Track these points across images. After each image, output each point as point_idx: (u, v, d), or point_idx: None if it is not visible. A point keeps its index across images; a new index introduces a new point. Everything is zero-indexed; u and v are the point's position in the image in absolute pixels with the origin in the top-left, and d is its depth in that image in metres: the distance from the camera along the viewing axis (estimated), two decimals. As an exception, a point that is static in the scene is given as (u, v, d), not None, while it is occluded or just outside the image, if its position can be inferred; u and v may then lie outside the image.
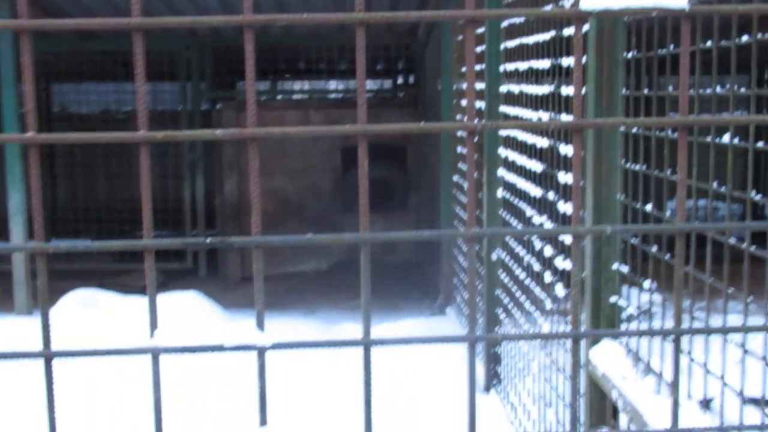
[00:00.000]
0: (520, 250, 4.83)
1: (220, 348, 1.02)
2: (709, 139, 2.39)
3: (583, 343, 3.04)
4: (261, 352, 1.03)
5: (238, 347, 1.02)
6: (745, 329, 1.11)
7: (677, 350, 1.07)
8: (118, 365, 5.64)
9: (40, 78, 12.84)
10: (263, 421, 1.03)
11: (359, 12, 1.01)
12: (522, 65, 4.83)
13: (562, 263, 3.82)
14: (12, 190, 8.14)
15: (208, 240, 1.04)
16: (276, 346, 1.02)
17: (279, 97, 12.96)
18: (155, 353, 1.02)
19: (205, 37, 11.06)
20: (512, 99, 5.16)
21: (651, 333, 1.29)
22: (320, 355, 6.19)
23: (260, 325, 1.03)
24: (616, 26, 2.97)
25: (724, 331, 1.11)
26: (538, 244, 4.33)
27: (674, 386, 1.07)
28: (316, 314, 8.39)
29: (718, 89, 2.44)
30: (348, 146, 11.09)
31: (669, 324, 2.59)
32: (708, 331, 1.13)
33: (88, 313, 6.77)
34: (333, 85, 14.27)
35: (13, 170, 8.11)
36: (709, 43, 2.39)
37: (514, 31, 5.15)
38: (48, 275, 1.03)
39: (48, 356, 1.02)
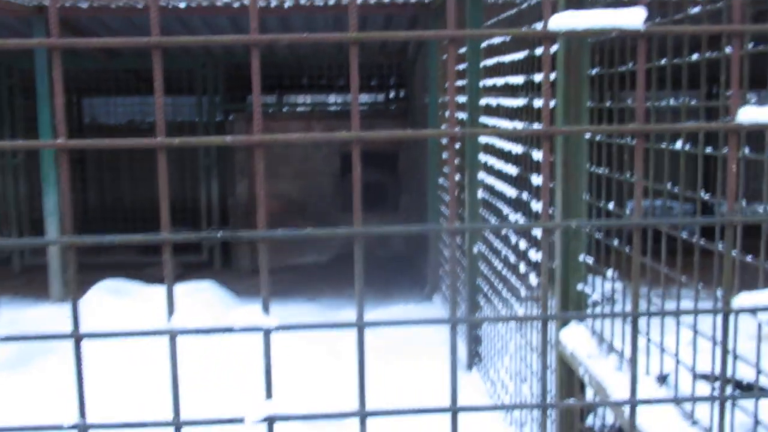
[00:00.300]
0: (498, 244, 4.83)
1: (230, 329, 1.01)
2: (663, 145, 2.39)
3: (552, 325, 3.04)
4: (266, 333, 1.02)
5: (247, 329, 1.02)
6: (695, 312, 1.11)
7: (635, 331, 1.07)
8: (142, 347, 5.63)
9: (72, 93, 12.83)
10: (269, 395, 1.03)
11: (353, 32, 1.01)
12: (499, 81, 4.83)
13: (535, 255, 3.82)
14: (47, 194, 8.13)
15: (220, 234, 1.03)
16: (280, 328, 1.02)
17: (284, 109, 12.95)
18: (172, 334, 1.02)
19: (218, 56, 11.05)
20: (491, 111, 5.16)
21: (612, 315, 1.29)
22: (321, 337, 6.19)
23: (266, 309, 1.03)
24: (581, 46, 2.97)
25: (677, 314, 1.11)
26: (513, 239, 4.33)
27: (632, 363, 1.07)
28: (317, 301, 8.38)
29: (672, 102, 2.44)
30: (346, 152, 11.10)
31: (628, 308, 2.59)
32: (662, 314, 1.13)
33: (115, 300, 6.75)
34: (332, 98, 14.27)
35: (48, 176, 8.10)
36: (663, 61, 2.40)
37: (492, 51, 5.16)
38: (79, 268, 1.03)
39: (77, 337, 1.01)
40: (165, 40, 0.98)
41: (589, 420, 3.18)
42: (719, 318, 0.99)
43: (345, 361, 5.56)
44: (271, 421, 1.01)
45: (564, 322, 2.90)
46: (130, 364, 5.48)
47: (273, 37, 1.04)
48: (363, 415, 1.04)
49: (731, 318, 1.07)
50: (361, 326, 1.05)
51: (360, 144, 1.07)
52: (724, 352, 1.06)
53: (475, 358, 5.71)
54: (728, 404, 1.99)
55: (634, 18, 1.01)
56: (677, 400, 1.07)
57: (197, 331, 1.03)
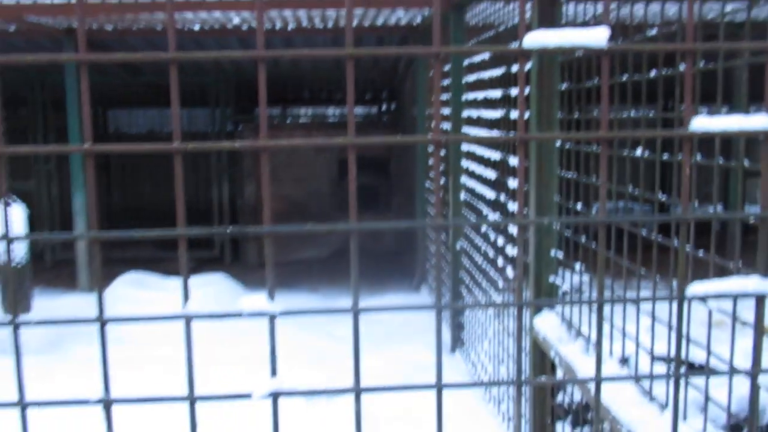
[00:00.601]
0: (479, 241, 4.83)
1: (239, 314, 1.01)
2: (625, 153, 2.40)
3: (527, 312, 3.04)
4: (271, 318, 1.02)
5: (254, 313, 1.01)
6: (653, 299, 1.12)
7: (600, 316, 1.07)
8: (161, 331, 5.61)
9: (98, 106, 12.79)
10: (273, 373, 1.03)
11: (349, 49, 1.01)
12: (480, 95, 4.84)
13: (511, 251, 3.82)
14: (75, 195, 8.11)
15: (229, 230, 1.03)
16: (283, 313, 1.01)
17: (288, 120, 12.94)
18: (187, 318, 1.01)
19: (229, 72, 11.03)
20: (472, 122, 5.17)
21: (579, 302, 1.29)
22: (320, 324, 6.18)
23: (271, 296, 1.02)
24: (552, 64, 2.97)
25: (636, 301, 1.11)
26: (492, 236, 4.33)
27: (598, 345, 1.07)
28: (318, 292, 8.36)
29: (633, 113, 2.44)
30: (343, 159, 11.11)
31: (594, 297, 2.60)
32: (623, 301, 1.13)
33: (136, 291, 6.73)
34: (331, 110, 14.27)
35: (77, 179, 8.08)
36: (625, 77, 2.40)
37: (473, 68, 5.16)
38: (104, 262, 1.03)
39: (102, 322, 1.01)
40: (180, 55, 0.98)
41: (559, 398, 3.19)
42: (675, 305, 0.99)
43: (342, 344, 5.56)
44: (275, 396, 1.01)
45: (537, 310, 2.90)
46: (149, 347, 5.46)
47: (277, 52, 1.04)
48: (358, 391, 1.04)
49: (685, 305, 1.07)
50: (356, 311, 1.05)
51: (355, 149, 1.07)
52: (679, 336, 1.06)
53: (458, 342, 5.71)
54: (682, 382, 2.00)
55: (598, 36, 1.01)
56: (637, 378, 1.07)
57: (210, 316, 1.02)
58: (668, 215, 1.14)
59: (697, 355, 2.31)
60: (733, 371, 1.58)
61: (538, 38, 1.04)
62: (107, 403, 1.00)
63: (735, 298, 1.34)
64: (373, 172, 11.20)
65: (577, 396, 2.89)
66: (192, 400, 1.02)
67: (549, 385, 2.87)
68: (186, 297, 1.04)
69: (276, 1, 6.61)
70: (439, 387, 1.04)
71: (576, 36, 1.03)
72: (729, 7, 1.87)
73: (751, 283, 1.02)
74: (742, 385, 1.82)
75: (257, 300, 1.02)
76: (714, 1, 2.34)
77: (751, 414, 1.06)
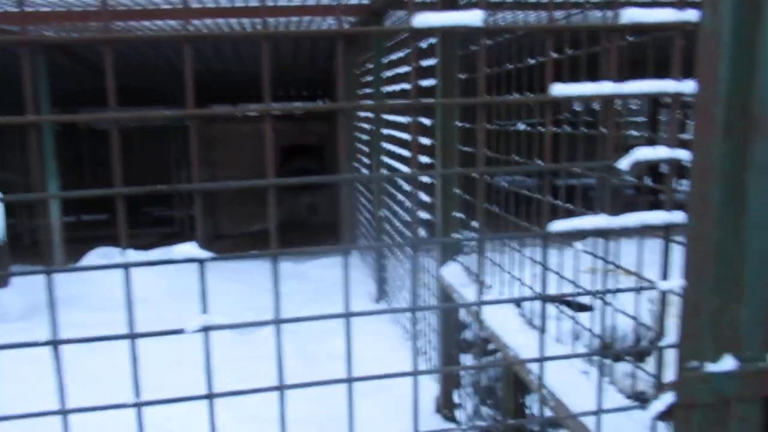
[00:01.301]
0: (398, 209, 4.85)
1: (172, 261, 0.97)
2: (510, 127, 2.42)
3: (435, 263, 3.06)
4: (200, 262, 0.99)
5: (187, 260, 0.98)
6: (523, 236, 1.13)
7: (481, 253, 1.08)
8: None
9: (69, 105, 12.25)
10: (204, 311, 1.00)
11: (264, 31, 0.98)
12: (396, 87, 4.83)
13: (423, 215, 3.84)
14: (50, 183, 7.75)
15: (161, 186, 0.98)
16: (213, 259, 0.98)
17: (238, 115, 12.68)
18: (126, 267, 0.97)
19: (182, 73, 10.72)
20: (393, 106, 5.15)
21: (462, 240, 1.30)
22: (258, 276, 6.08)
23: (202, 247, 0.99)
24: (453, 57, 2.96)
25: (509, 237, 1.12)
26: (408, 204, 4.34)
27: (479, 272, 1.08)
28: (264, 258, 8.26)
29: (516, 95, 2.46)
30: (285, 146, 11.00)
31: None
32: (501, 238, 1.14)
33: (106, 262, 6.52)
34: (276, 105, 14.09)
35: (50, 169, 7.72)
36: (510, 66, 2.41)
37: (391, 64, 5.14)
38: (77, 240, 0.98)
39: (55, 343, 0.96)
40: (113, 36, 0.93)
41: (466, 334, 3.24)
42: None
43: (283, 301, 5.50)
44: (206, 330, 0.98)
45: (444, 261, 2.92)
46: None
47: (200, 34, 1.00)
48: (278, 322, 1.02)
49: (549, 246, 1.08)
50: (275, 256, 1.03)
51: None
52: (544, 268, 1.08)
53: (383, 294, 5.74)
54: (559, 314, 2.05)
55: (473, 17, 1.00)
56: (514, 300, 1.08)
57: (149, 263, 0.98)
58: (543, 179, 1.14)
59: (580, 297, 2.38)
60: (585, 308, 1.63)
61: (425, 19, 1.02)
62: (55, 343, 0.95)
63: (598, 237, 1.37)
64: (309, 157, 11.14)
65: (481, 334, 2.94)
66: (133, 336, 0.99)
67: (446, 309, 2.91)
68: (124, 253, 1.00)
69: (217, 10, 6.41)
70: (347, 315, 1.02)
71: (456, 17, 1.02)
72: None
73: (600, 220, 1.04)
74: (608, 318, 1.87)
75: (188, 248, 0.98)
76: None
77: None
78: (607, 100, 1.07)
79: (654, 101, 12.07)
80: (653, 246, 1.24)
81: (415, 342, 1.06)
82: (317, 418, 3.31)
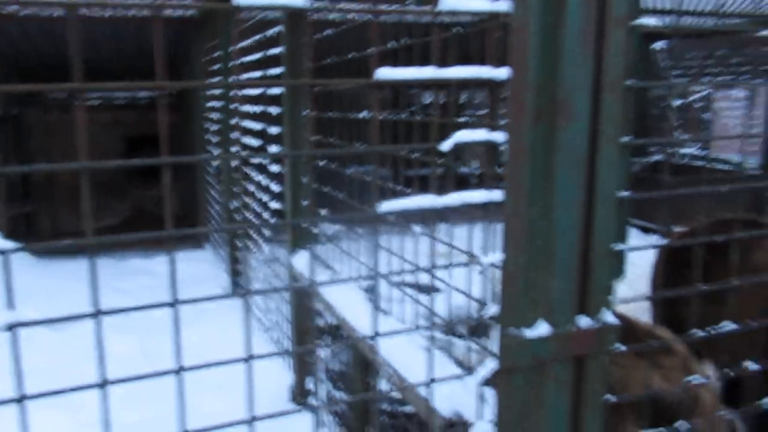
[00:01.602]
0: (251, 201, 4.76)
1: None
2: (358, 116, 2.45)
3: (286, 253, 3.05)
4: (3, 253, 0.91)
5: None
6: (354, 218, 1.15)
7: (314, 234, 1.09)
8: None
9: None
10: (11, 307, 0.92)
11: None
12: (246, 75, 4.72)
13: (274, 205, 3.81)
14: None
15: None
16: (18, 249, 0.91)
17: (76, 102, 11.84)
18: None
19: (12, 59, 9.78)
20: (245, 99, 5.03)
21: (291, 222, 1.31)
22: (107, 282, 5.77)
23: (5, 238, 0.92)
24: (300, 48, 2.94)
25: (335, 220, 1.14)
26: (263, 198, 4.28)
27: (312, 256, 1.09)
28: (114, 256, 7.78)
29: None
30: (129, 137, 10.41)
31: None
32: (329, 220, 1.16)
33: None
34: (118, 94, 13.27)
35: None
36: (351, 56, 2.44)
37: (240, 52, 5.01)
38: None
39: None
40: None
41: (318, 322, 3.26)
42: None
43: (126, 297, 5.23)
44: (13, 327, 0.90)
45: (294, 250, 2.91)
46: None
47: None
48: (98, 314, 0.97)
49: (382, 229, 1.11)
50: (96, 244, 0.97)
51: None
52: (376, 250, 1.12)
53: (237, 285, 5.62)
54: (407, 299, 2.12)
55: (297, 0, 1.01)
56: (351, 280, 1.11)
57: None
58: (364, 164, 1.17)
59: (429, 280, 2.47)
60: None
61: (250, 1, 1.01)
62: None
63: (433, 219, 1.43)
64: (157, 148, 10.65)
65: (333, 320, 2.97)
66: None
67: (306, 307, 2.92)
68: None
69: None
70: (176, 301, 0.99)
71: (281, -1, 1.02)
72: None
73: (426, 199, 1.10)
74: (454, 300, 1.96)
75: (-8, 238, 0.90)
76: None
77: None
78: (451, 93, 1.12)
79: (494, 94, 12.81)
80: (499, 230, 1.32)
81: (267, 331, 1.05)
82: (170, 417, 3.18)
